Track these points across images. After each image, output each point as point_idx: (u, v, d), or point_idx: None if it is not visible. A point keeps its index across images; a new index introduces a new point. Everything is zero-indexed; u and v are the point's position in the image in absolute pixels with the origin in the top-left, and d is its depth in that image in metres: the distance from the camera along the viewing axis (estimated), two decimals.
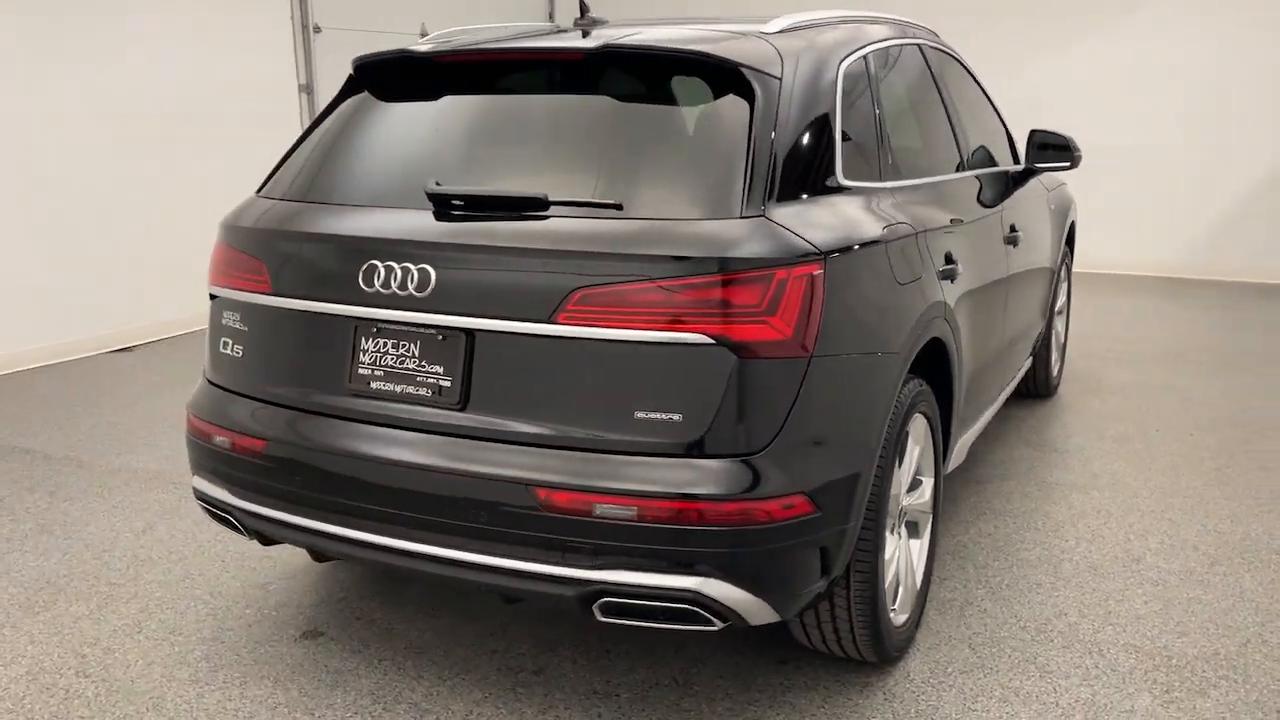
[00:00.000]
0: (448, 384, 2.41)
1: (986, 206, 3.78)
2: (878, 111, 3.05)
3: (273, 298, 2.64)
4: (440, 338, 2.42)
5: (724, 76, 2.53)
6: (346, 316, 2.53)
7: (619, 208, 2.39)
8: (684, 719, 2.67)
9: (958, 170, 3.71)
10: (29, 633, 3.14)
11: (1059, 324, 5.48)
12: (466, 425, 2.39)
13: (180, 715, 2.71)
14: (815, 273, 2.32)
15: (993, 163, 4.17)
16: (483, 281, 2.38)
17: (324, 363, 2.58)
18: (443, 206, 2.50)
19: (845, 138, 2.75)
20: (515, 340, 2.35)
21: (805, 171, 2.55)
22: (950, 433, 3.28)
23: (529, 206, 2.42)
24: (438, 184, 2.52)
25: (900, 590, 2.87)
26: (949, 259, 3.10)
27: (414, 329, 2.45)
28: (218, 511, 2.81)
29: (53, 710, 2.74)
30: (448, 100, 2.86)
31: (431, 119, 2.86)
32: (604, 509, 2.24)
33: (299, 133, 8.45)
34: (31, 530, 3.92)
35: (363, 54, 2.90)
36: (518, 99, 2.87)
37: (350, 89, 2.98)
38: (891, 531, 2.79)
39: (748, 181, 2.38)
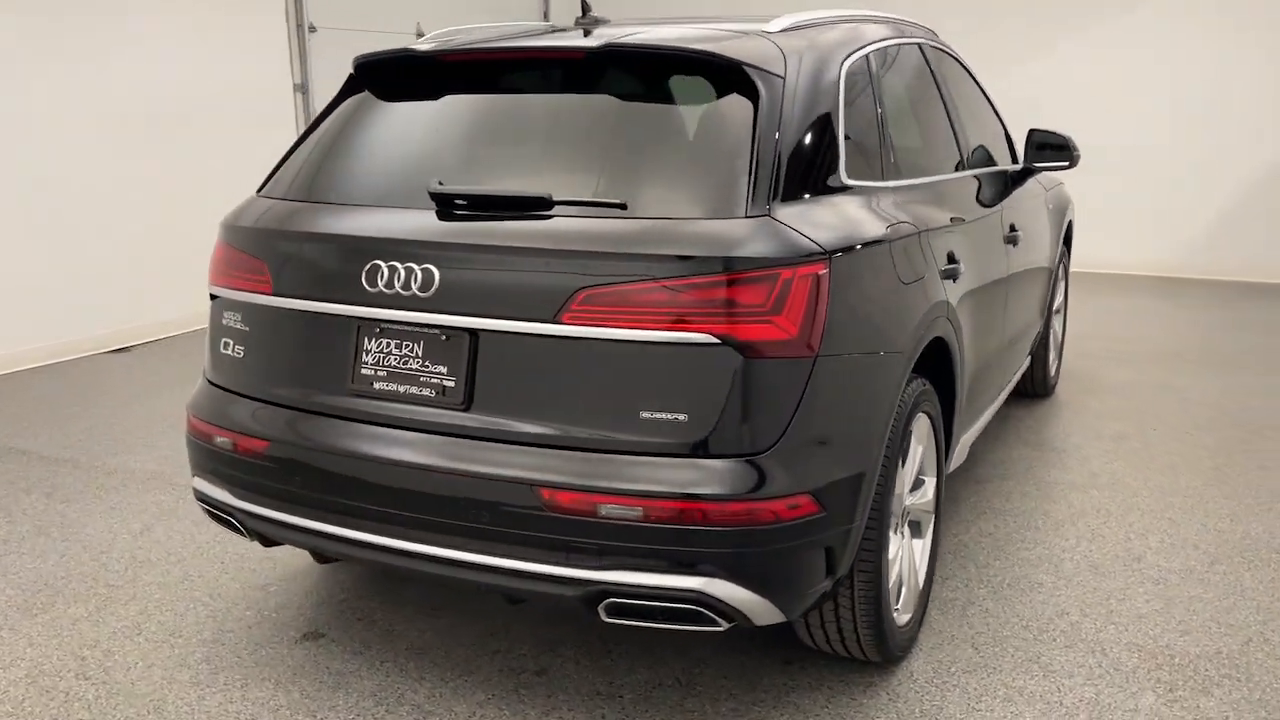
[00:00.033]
0: (451, 384, 2.40)
1: (986, 206, 3.78)
2: (879, 110, 3.04)
3: (274, 298, 2.63)
4: (444, 338, 2.41)
5: (728, 75, 2.53)
6: (349, 316, 2.52)
7: (623, 207, 2.38)
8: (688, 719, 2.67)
9: (957, 169, 3.71)
10: (27, 635, 3.13)
11: (1056, 323, 5.49)
12: (470, 425, 2.38)
13: (182, 718, 2.70)
14: (820, 272, 2.32)
15: (992, 162, 4.17)
16: (487, 281, 2.37)
17: (326, 363, 2.56)
18: (446, 206, 2.49)
19: (848, 137, 2.75)
20: (519, 340, 2.34)
21: (809, 170, 2.55)
22: (952, 432, 3.28)
23: (533, 206, 2.41)
24: (441, 184, 2.51)
25: (903, 590, 2.86)
26: (951, 258, 3.10)
27: (418, 329, 2.44)
28: (219, 513, 2.80)
29: (53, 713, 2.73)
30: (450, 99, 2.85)
31: (433, 118, 2.85)
32: (609, 509, 2.23)
33: (294, 132, 8.41)
34: (28, 532, 3.90)
35: (364, 53, 2.88)
36: (520, 98, 2.86)
37: (350, 88, 2.97)
38: (895, 531, 2.79)
39: (752, 181, 2.37)
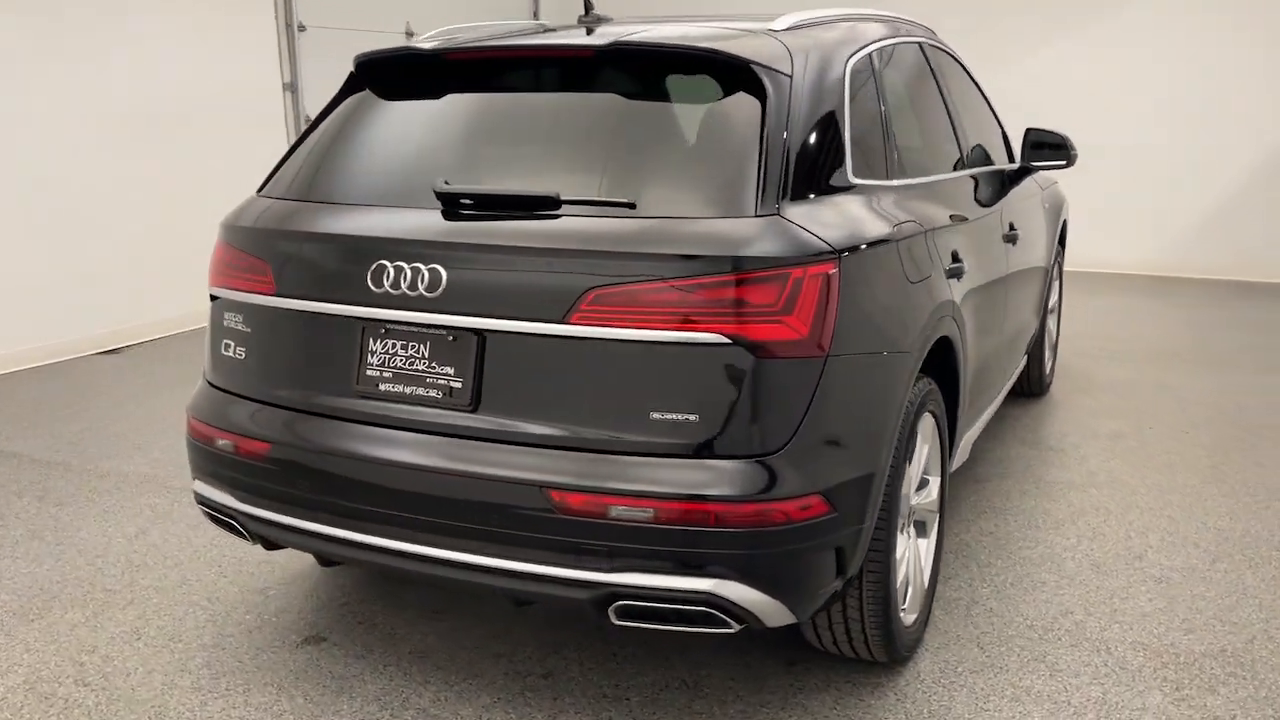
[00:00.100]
0: (459, 385, 2.38)
1: (985, 205, 3.78)
2: (883, 109, 3.04)
3: (277, 298, 2.60)
4: (451, 338, 2.39)
5: (735, 74, 2.51)
6: (354, 317, 2.49)
7: (631, 206, 2.37)
8: None
9: (956, 168, 3.71)
10: (24, 641, 3.09)
11: (1051, 322, 5.50)
12: (478, 427, 2.36)
13: None
14: (830, 271, 2.31)
15: (989, 161, 4.18)
16: (494, 282, 2.35)
17: (330, 364, 2.53)
18: (452, 206, 2.47)
19: (853, 136, 2.74)
20: (528, 341, 2.32)
21: (816, 169, 2.54)
22: (956, 431, 3.28)
23: (541, 205, 2.39)
24: (447, 183, 2.49)
25: (910, 590, 2.86)
26: (955, 257, 3.09)
27: (424, 330, 2.41)
28: (220, 516, 2.76)
29: None
30: (453, 98, 2.82)
31: (436, 117, 2.83)
32: (619, 511, 2.21)
33: (284, 132, 8.34)
34: (22, 536, 3.85)
35: (365, 51, 2.85)
36: (526, 97, 2.84)
37: (351, 87, 2.94)
38: (901, 531, 2.78)
39: (761, 179, 2.36)
